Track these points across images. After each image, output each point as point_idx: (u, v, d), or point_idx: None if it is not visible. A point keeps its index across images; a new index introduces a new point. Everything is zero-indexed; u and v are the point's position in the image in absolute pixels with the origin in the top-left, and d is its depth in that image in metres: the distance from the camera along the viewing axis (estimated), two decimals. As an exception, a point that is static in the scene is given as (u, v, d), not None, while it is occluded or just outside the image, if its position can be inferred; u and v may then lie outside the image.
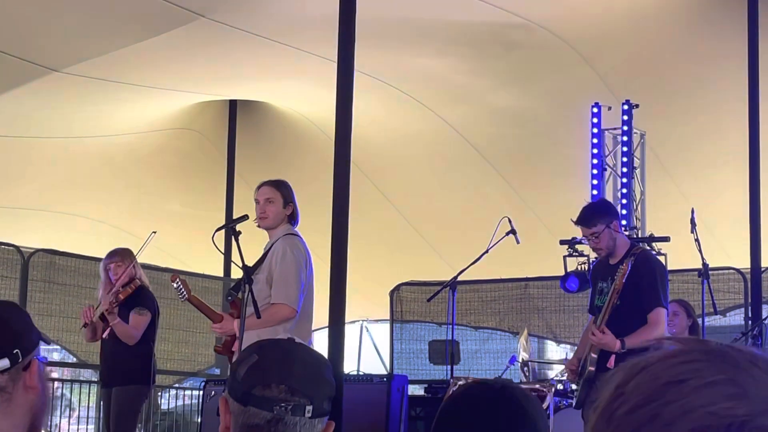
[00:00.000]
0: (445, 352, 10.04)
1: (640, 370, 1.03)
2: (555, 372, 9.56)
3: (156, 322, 8.19)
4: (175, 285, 7.08)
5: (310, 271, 6.74)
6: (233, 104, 13.55)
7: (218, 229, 6.55)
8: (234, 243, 6.38)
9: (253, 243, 6.84)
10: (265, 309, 6.44)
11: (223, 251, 7.46)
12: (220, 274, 12.90)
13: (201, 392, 11.13)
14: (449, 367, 9.38)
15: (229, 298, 6.72)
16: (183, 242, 14.39)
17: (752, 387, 0.99)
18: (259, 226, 6.75)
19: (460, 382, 7.59)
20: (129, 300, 8.01)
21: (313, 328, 13.09)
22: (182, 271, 12.66)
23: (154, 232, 8.04)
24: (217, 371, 13.52)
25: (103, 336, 8.08)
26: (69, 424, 13.56)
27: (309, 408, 2.10)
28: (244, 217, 6.66)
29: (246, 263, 6.38)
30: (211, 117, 13.59)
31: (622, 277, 6.17)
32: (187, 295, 7.07)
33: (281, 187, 6.85)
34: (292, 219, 6.83)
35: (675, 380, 1.00)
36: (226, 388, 2.18)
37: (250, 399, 2.10)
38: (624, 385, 1.03)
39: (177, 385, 13.63)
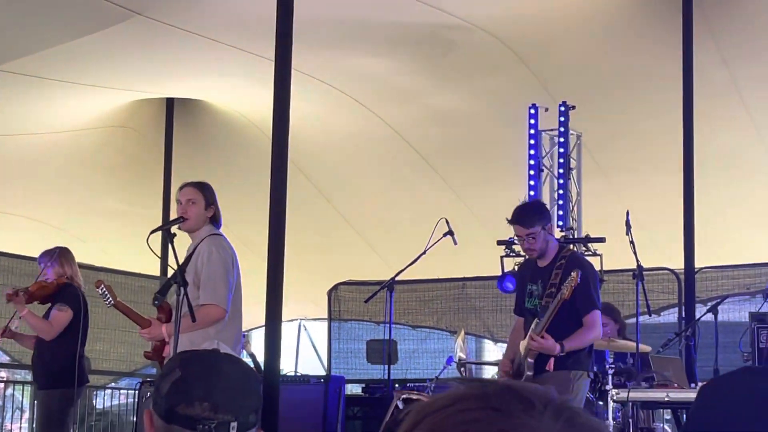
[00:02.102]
0: (383, 351, 10.04)
1: (422, 418, 1.07)
2: (492, 372, 9.62)
3: (83, 322, 7.96)
4: (99, 291, 7.00)
5: (237, 270, 6.66)
6: (170, 102, 13.45)
7: (153, 231, 6.48)
8: (170, 245, 6.31)
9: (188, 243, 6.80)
10: (195, 311, 6.32)
11: (157, 253, 7.39)
12: (157, 273, 12.80)
13: (136, 392, 11.06)
14: (387, 366, 9.37)
15: (156, 302, 6.61)
16: (120, 241, 14.28)
17: None
18: (180, 228, 6.65)
19: (404, 396, 7.60)
20: (56, 296, 7.90)
21: (250, 327, 13.13)
22: (119, 271, 12.59)
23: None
24: (154, 371, 13.43)
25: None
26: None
27: (233, 425, 2.08)
28: (180, 219, 6.60)
29: (181, 265, 6.31)
30: (148, 115, 13.48)
31: (571, 289, 6.19)
32: (113, 301, 6.99)
33: (203, 188, 6.75)
34: (214, 221, 6.71)
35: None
36: (150, 402, 2.15)
37: (174, 417, 2.07)
38: (410, 430, 1.07)
39: (113, 385, 13.51)
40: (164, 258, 8.66)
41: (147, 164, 13.93)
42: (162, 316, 6.75)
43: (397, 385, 10.90)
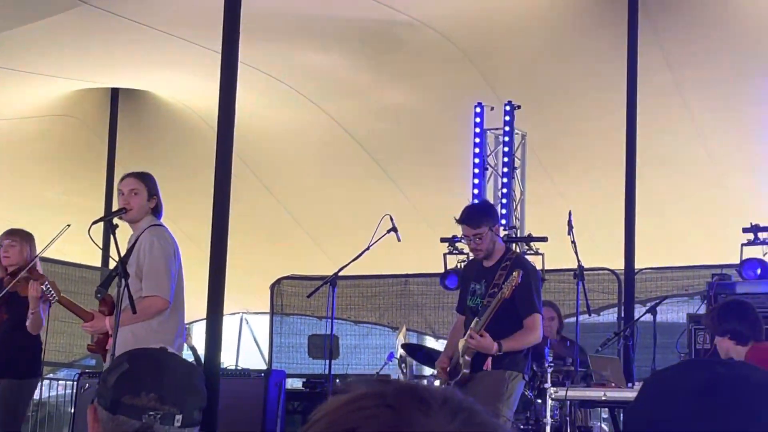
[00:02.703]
0: (325, 346, 10.04)
1: (321, 416, 1.09)
2: (432, 369, 9.65)
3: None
4: (44, 288, 6.93)
5: (179, 261, 6.62)
6: (115, 92, 13.35)
7: (95, 222, 6.42)
8: (111, 236, 6.26)
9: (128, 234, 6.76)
10: (137, 303, 6.28)
11: (99, 244, 7.32)
12: (98, 264, 12.70)
13: (75, 383, 10.97)
14: (328, 361, 9.38)
15: (99, 295, 6.53)
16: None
17: None
18: (121, 218, 6.61)
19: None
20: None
21: (192, 320, 13.04)
22: (60, 261, 12.46)
23: (69, 225, 7.62)
24: (93, 362, 13.33)
25: None
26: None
27: (178, 417, 2.09)
28: (122, 211, 6.56)
29: (122, 257, 6.26)
30: (92, 104, 13.37)
31: (512, 289, 6.23)
32: (57, 297, 6.93)
33: (146, 179, 6.70)
34: (156, 212, 6.66)
35: (346, 428, 1.06)
36: (95, 397, 2.15)
37: (120, 407, 2.08)
38: (309, 429, 1.10)
39: (51, 376, 13.39)
40: (106, 249, 8.57)
41: (90, 154, 13.82)
42: (105, 309, 6.68)
43: (338, 381, 10.92)
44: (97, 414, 2.11)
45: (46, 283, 6.89)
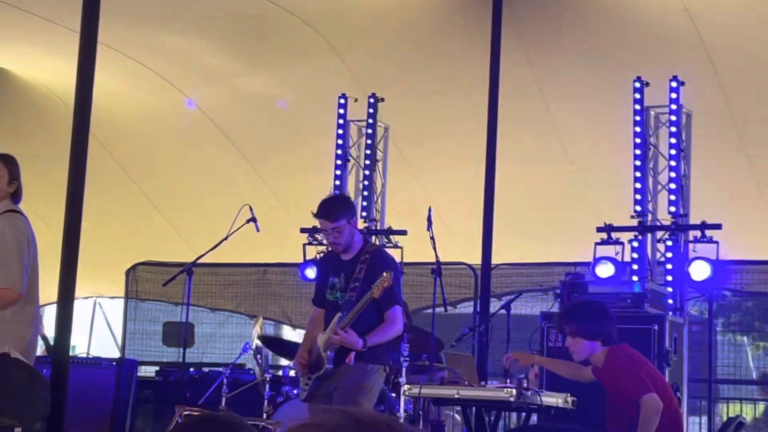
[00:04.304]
0: (179, 334, 9.92)
1: None
2: (288, 360, 9.61)
3: None
4: None
5: (34, 249, 6.38)
6: (-31, 68, 12.96)
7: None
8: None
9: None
10: None
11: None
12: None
13: None
14: (183, 349, 9.27)
15: None
16: None
17: None
18: None
19: (185, 412, 7.49)
20: None
21: (44, 303, 12.69)
22: None
23: None
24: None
25: None
26: None
27: (18, 430, 2.01)
28: None
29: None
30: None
31: (381, 290, 6.22)
32: None
33: (7, 161, 6.47)
34: (16, 197, 6.44)
35: None
36: None
37: None
38: None
39: None
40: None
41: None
42: None
43: (191, 369, 10.80)
44: None
45: None
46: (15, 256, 6.21)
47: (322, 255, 9.98)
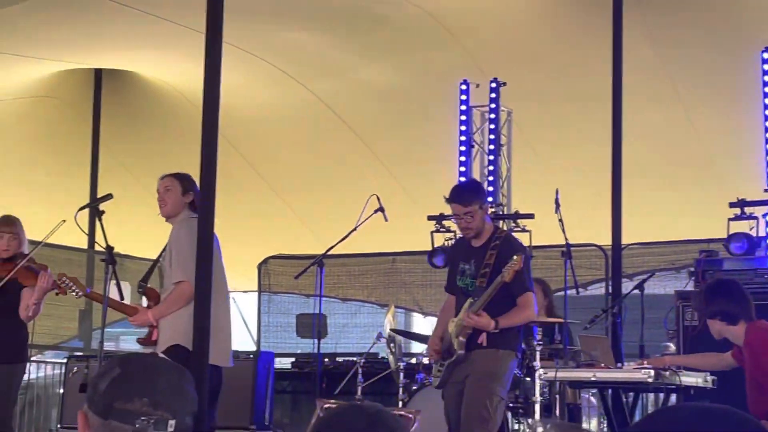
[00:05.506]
0: (313, 325, 10.03)
1: None
2: (422, 347, 9.65)
3: None
4: (61, 282, 7.01)
5: (216, 245, 6.85)
6: (98, 73, 13.28)
7: (81, 208, 6.44)
8: (98, 222, 6.28)
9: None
10: (170, 292, 6.72)
11: (85, 229, 7.31)
12: (84, 246, 12.64)
13: (63, 366, 10.95)
14: (317, 341, 9.37)
15: (140, 290, 6.95)
16: (47, 212, 14.06)
17: None
18: (160, 215, 6.99)
19: (326, 405, 7.58)
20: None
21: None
22: (45, 244, 12.38)
23: (64, 221, 7.55)
24: (81, 344, 13.31)
25: None
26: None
27: (172, 423, 2.06)
28: (108, 197, 6.63)
29: (109, 243, 6.32)
30: (76, 85, 13.29)
31: (513, 273, 6.24)
32: (81, 292, 7.03)
33: (179, 177, 7.06)
34: (194, 208, 6.97)
35: None
36: (85, 402, 2.11)
37: (112, 412, 2.04)
38: None
39: (38, 358, 13.36)
40: (91, 235, 8.54)
41: (74, 135, 13.75)
42: (152, 303, 6.96)
43: (326, 360, 10.92)
44: (87, 420, 2.08)
45: (65, 278, 7.00)
46: (189, 252, 6.66)
47: (451, 242, 9.99)
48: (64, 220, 7.25)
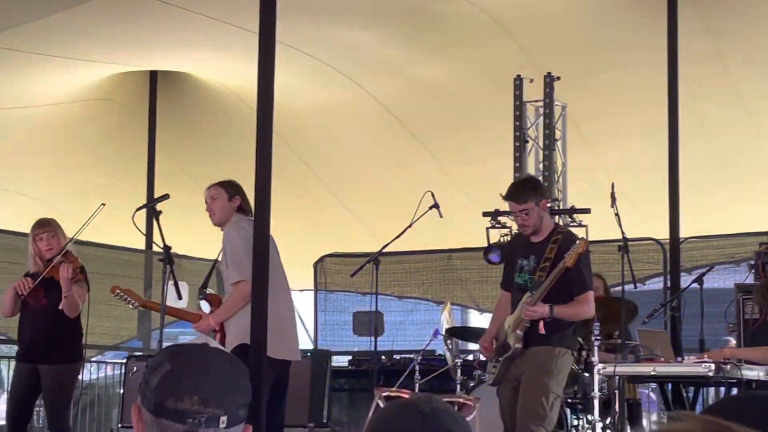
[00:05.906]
0: (370, 323, 10.05)
1: None
2: (476, 344, 9.63)
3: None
4: (117, 296, 7.14)
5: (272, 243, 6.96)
6: (154, 75, 13.39)
7: (139, 209, 6.52)
8: (155, 222, 6.35)
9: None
10: (229, 295, 6.89)
11: (142, 230, 7.42)
12: (142, 246, 12.76)
13: (123, 366, 11.06)
14: (374, 338, 9.39)
15: (201, 296, 7.19)
16: (105, 214, 14.19)
17: None
18: (213, 224, 7.20)
19: (384, 394, 7.58)
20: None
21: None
22: (102, 245, 12.52)
23: (103, 204, 7.79)
24: (140, 344, 13.43)
25: (26, 309, 7.80)
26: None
27: (223, 419, 2.05)
28: (165, 197, 6.69)
29: (166, 243, 6.39)
30: (132, 88, 13.41)
31: (577, 257, 6.24)
32: (137, 303, 7.17)
33: (223, 184, 7.23)
34: (242, 211, 7.16)
35: None
36: (139, 396, 2.12)
37: (163, 411, 2.04)
38: None
39: (98, 358, 13.50)
40: (149, 234, 8.65)
41: (130, 137, 13.87)
42: (214, 309, 7.10)
43: (383, 357, 10.93)
44: (141, 414, 2.09)
45: (118, 291, 7.16)
46: (243, 251, 6.82)
47: (509, 238, 9.96)
48: (103, 204, 7.43)
